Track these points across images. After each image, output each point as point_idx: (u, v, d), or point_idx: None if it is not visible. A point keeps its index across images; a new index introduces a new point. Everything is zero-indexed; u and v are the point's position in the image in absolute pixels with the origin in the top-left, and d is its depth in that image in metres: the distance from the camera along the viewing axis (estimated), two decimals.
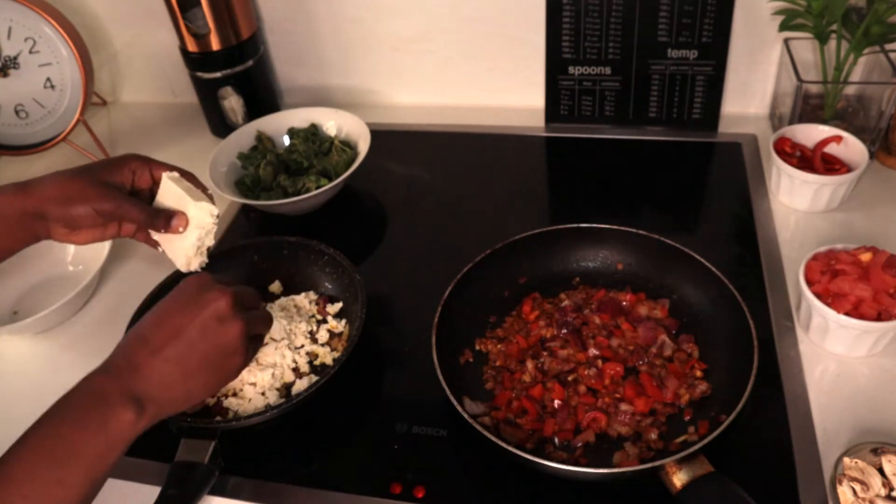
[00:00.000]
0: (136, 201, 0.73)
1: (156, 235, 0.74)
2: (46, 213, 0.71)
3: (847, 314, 0.73)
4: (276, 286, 0.92)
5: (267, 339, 0.80)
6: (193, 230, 0.73)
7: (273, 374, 0.78)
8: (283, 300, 0.88)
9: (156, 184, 0.76)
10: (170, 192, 0.74)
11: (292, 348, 0.81)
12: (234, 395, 0.78)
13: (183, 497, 0.68)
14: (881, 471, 0.61)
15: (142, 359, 0.60)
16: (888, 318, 0.72)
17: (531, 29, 1.12)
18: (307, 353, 0.81)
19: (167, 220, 0.72)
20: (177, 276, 0.87)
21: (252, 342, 0.67)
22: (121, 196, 0.72)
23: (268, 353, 0.79)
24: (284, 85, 1.32)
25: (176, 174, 0.75)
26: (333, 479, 0.72)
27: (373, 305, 0.81)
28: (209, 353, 0.62)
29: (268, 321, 0.70)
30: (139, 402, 0.58)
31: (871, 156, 1.00)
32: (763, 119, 1.15)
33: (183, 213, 0.73)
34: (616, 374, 0.75)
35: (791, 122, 1.00)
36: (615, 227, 0.86)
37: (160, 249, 0.75)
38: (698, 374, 0.75)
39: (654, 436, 0.70)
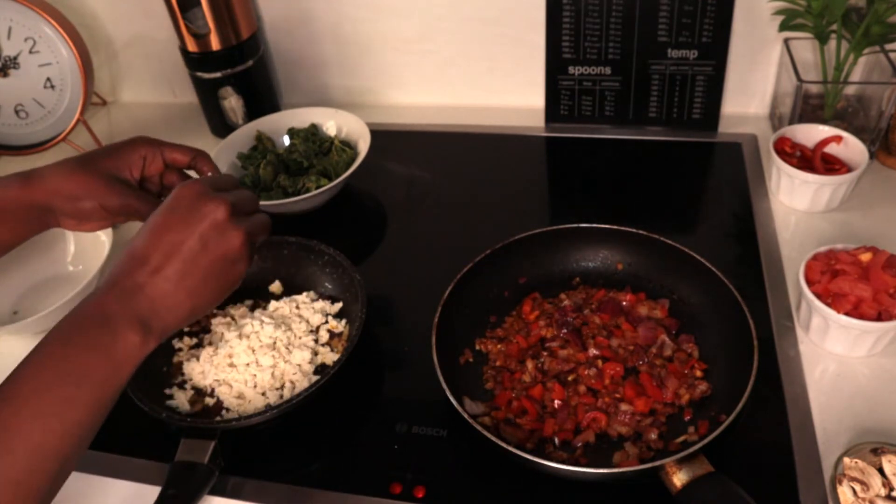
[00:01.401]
0: (143, 196, 0.72)
1: None
2: (54, 207, 0.70)
3: (847, 314, 0.73)
4: (276, 286, 0.92)
5: (268, 339, 0.80)
6: None
7: (273, 374, 0.78)
8: (283, 301, 0.88)
9: (167, 167, 0.75)
10: None
11: (292, 349, 0.81)
12: (238, 396, 0.78)
13: (183, 497, 0.68)
14: (881, 471, 0.61)
15: (143, 279, 0.58)
16: (888, 318, 0.72)
17: (531, 29, 1.12)
18: (308, 353, 0.81)
19: None
20: None
21: (252, 247, 0.64)
22: (128, 191, 0.72)
23: (267, 354, 0.79)
24: (284, 85, 1.32)
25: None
26: (333, 479, 0.72)
27: (373, 305, 0.82)
28: (211, 265, 0.60)
29: (267, 226, 0.67)
30: (145, 323, 0.57)
31: (871, 156, 1.00)
32: (763, 119, 1.15)
33: None
34: (616, 374, 0.75)
35: (791, 122, 1.00)
36: (615, 227, 0.86)
37: None
38: (698, 374, 0.75)
39: (654, 436, 0.70)
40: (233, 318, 0.87)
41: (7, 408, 0.51)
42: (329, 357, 0.82)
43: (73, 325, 0.56)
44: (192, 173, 0.77)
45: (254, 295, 0.91)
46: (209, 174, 0.75)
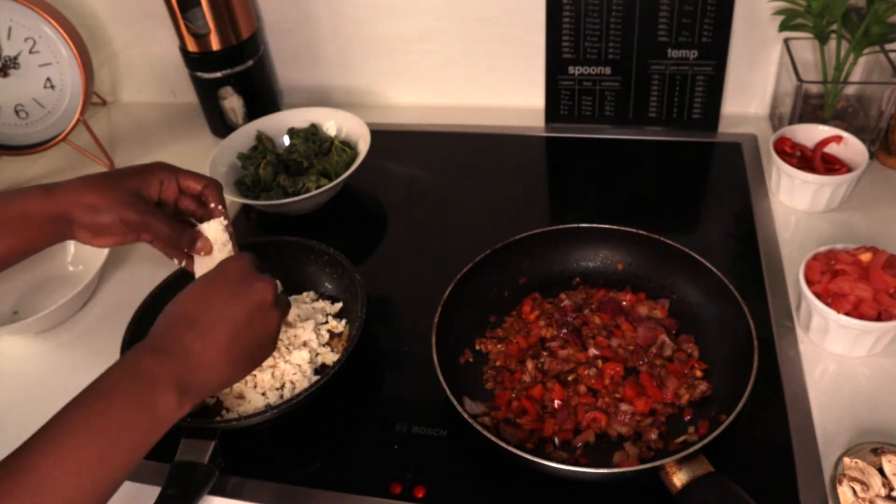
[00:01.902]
0: (162, 216, 0.73)
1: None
2: (73, 217, 0.71)
3: (847, 314, 0.73)
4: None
5: None
6: (217, 255, 0.74)
7: (273, 374, 0.78)
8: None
9: (183, 194, 0.77)
10: (212, 230, 0.74)
11: (292, 349, 0.81)
12: (240, 396, 0.78)
13: (183, 497, 0.68)
14: (881, 471, 0.61)
15: (192, 342, 0.60)
16: (888, 318, 0.72)
17: (531, 29, 1.12)
18: (309, 352, 0.81)
19: (192, 241, 0.73)
20: (178, 275, 0.88)
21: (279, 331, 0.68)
22: (148, 209, 0.72)
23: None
24: (284, 85, 1.32)
25: (225, 222, 0.75)
26: (333, 479, 0.72)
27: (373, 305, 0.82)
28: (253, 341, 0.64)
29: (288, 308, 0.72)
30: (184, 386, 0.58)
31: (871, 156, 1.00)
32: (763, 119, 1.15)
33: (207, 238, 0.73)
34: (616, 374, 0.75)
35: (791, 122, 1.00)
36: (615, 227, 0.86)
37: (177, 261, 0.76)
38: (698, 374, 0.75)
39: (654, 436, 0.70)
40: None
41: (44, 461, 0.51)
42: (329, 357, 0.82)
43: (117, 380, 0.57)
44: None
45: None
46: (213, 205, 0.77)
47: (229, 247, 0.75)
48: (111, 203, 0.71)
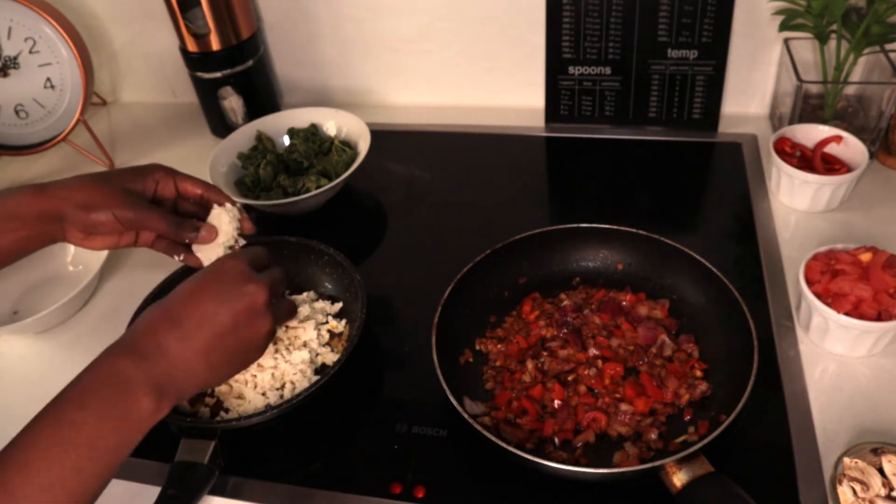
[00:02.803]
0: (158, 210, 0.72)
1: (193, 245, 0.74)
2: (65, 215, 0.70)
3: (847, 314, 0.73)
4: None
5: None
6: (222, 241, 0.73)
7: (273, 375, 0.78)
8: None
9: (180, 196, 0.76)
10: (218, 219, 0.74)
11: (292, 349, 0.81)
12: (239, 396, 0.78)
13: (183, 497, 0.68)
14: (881, 471, 0.61)
15: (171, 344, 0.58)
16: (888, 318, 0.72)
17: (531, 29, 1.12)
18: (309, 352, 0.81)
19: (193, 229, 0.72)
20: (178, 276, 0.88)
21: (274, 333, 0.66)
22: (143, 205, 0.71)
23: (267, 354, 0.79)
24: (284, 85, 1.32)
25: (233, 210, 0.74)
26: (333, 479, 0.72)
27: (373, 305, 0.82)
28: (236, 346, 0.62)
29: (292, 312, 0.70)
30: (161, 389, 0.57)
31: (871, 156, 1.00)
32: (763, 119, 1.15)
33: (212, 225, 0.72)
34: (616, 374, 0.75)
35: (791, 122, 1.00)
36: (615, 227, 0.86)
37: (178, 258, 0.75)
38: (698, 374, 0.75)
39: (654, 436, 0.70)
40: None
41: (17, 476, 0.50)
42: (329, 357, 0.82)
43: (89, 386, 0.55)
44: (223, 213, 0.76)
45: None
46: (220, 203, 0.75)
47: (234, 243, 0.74)
48: (105, 200, 0.69)
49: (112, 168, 1.21)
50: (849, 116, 1.04)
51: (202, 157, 1.04)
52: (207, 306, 0.61)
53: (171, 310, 0.60)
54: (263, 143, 1.10)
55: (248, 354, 0.64)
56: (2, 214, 0.69)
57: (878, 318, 0.73)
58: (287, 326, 0.82)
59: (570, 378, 0.76)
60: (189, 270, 0.80)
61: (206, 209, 0.76)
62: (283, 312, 0.68)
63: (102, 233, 0.72)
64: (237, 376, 0.78)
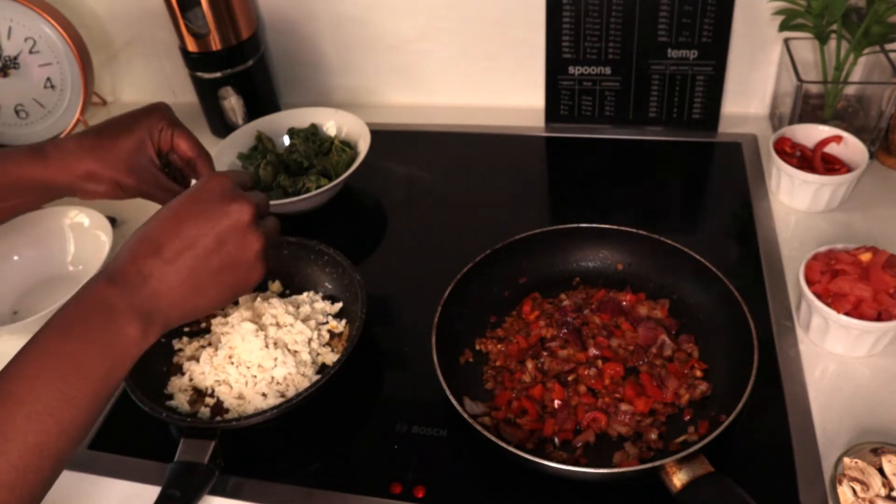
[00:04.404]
0: (160, 179, 0.72)
1: None
2: (66, 185, 0.70)
3: (847, 314, 0.73)
4: (276, 286, 0.92)
5: (268, 339, 0.80)
6: None
7: (273, 375, 0.78)
8: (283, 300, 0.88)
9: (173, 150, 0.75)
10: None
11: (292, 349, 0.81)
12: (239, 396, 0.78)
13: (183, 497, 0.68)
14: (881, 471, 0.61)
15: (153, 269, 0.56)
16: (888, 318, 0.72)
17: (531, 29, 1.12)
18: (309, 352, 0.81)
19: None
20: None
21: (267, 256, 0.63)
22: (146, 178, 0.71)
23: (268, 355, 0.79)
24: (284, 85, 1.32)
25: None
26: (333, 479, 0.72)
27: (373, 305, 0.82)
28: (224, 267, 0.59)
29: (277, 230, 0.66)
30: (147, 316, 0.55)
31: (871, 156, 1.00)
32: (763, 119, 1.15)
33: None
34: (616, 374, 0.75)
35: (791, 122, 1.00)
36: (615, 227, 0.86)
37: None
38: (698, 374, 0.75)
39: (654, 436, 0.70)
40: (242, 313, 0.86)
41: (2, 409, 0.50)
42: (329, 357, 0.82)
43: (73, 315, 0.54)
44: None
45: None
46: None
47: None
48: (108, 170, 0.70)
49: None
50: (849, 116, 1.04)
51: None
52: (189, 227, 0.58)
53: (152, 234, 0.58)
54: (263, 143, 1.10)
55: (241, 274, 0.61)
56: (5, 182, 0.69)
57: (878, 318, 0.73)
58: (287, 326, 0.82)
59: (570, 378, 0.76)
60: None
61: (195, 171, 0.76)
62: (271, 230, 0.64)
63: (104, 195, 0.73)
64: (237, 377, 0.78)
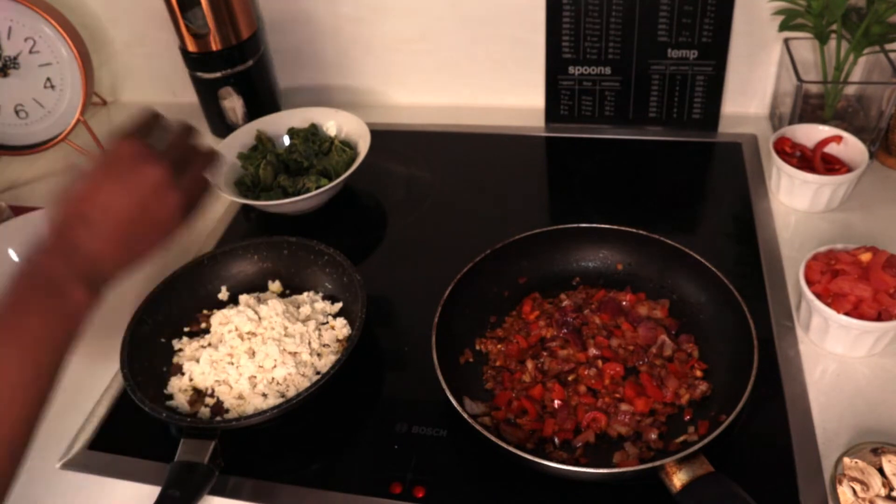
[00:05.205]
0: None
1: None
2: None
3: (847, 314, 0.73)
4: (276, 286, 0.92)
5: (269, 339, 0.80)
6: None
7: (273, 375, 0.78)
8: (283, 300, 0.88)
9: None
10: None
11: (292, 350, 0.81)
12: (239, 396, 0.78)
13: (183, 497, 0.68)
14: (881, 471, 0.61)
15: (84, 241, 0.59)
16: (888, 318, 0.72)
17: (531, 29, 1.12)
18: (309, 353, 0.81)
19: None
20: (179, 274, 0.88)
21: (190, 207, 0.66)
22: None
23: (267, 355, 0.79)
24: (284, 85, 1.32)
25: None
26: (333, 479, 0.72)
27: (373, 305, 0.82)
28: (149, 226, 0.62)
29: (205, 185, 0.68)
30: (89, 279, 0.58)
31: (871, 156, 1.00)
32: (763, 119, 1.15)
33: None
34: (616, 374, 0.75)
35: (791, 122, 1.00)
36: (615, 227, 0.86)
37: None
38: (698, 374, 0.75)
39: (654, 436, 0.70)
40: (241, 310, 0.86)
41: None
42: (329, 357, 0.82)
43: (18, 292, 0.56)
44: None
45: None
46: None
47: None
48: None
49: None
50: (849, 116, 1.04)
51: None
52: (109, 194, 0.61)
53: (74, 210, 0.61)
54: (263, 143, 1.10)
55: (164, 228, 0.64)
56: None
57: (878, 318, 0.73)
58: (287, 326, 0.82)
59: (570, 378, 0.76)
60: (187, 272, 0.80)
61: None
62: (195, 185, 0.66)
63: None
64: (237, 376, 0.78)
